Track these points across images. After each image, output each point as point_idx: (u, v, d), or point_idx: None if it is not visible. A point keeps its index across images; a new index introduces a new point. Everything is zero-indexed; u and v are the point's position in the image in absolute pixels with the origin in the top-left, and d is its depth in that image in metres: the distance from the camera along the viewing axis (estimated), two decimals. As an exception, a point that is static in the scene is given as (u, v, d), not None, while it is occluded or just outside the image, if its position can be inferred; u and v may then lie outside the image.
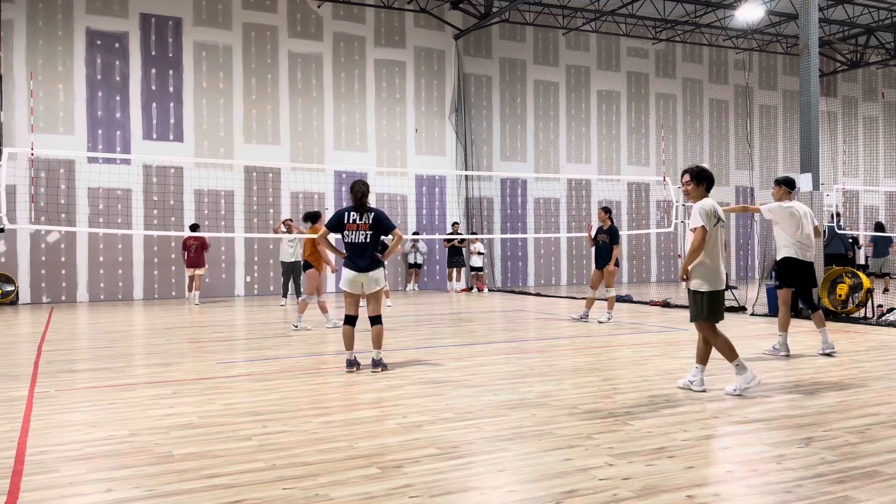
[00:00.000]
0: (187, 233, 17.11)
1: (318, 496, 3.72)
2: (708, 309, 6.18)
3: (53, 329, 11.77)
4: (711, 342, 6.25)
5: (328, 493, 3.77)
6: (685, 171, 6.43)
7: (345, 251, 7.57)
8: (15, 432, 5.05)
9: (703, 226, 6.11)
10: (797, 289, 8.48)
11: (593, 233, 12.34)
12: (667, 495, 3.68)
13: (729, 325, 11.34)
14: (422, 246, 20.84)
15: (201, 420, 5.36)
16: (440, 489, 3.82)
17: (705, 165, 6.88)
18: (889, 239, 20.47)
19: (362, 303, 8.24)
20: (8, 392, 6.50)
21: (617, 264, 12.20)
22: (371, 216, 7.47)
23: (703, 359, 6.34)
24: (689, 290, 6.28)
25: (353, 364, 7.46)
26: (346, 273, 7.52)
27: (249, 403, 5.91)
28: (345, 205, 20.36)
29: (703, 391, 6.24)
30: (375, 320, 7.53)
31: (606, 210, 12.29)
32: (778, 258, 8.47)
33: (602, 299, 13.05)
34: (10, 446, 4.71)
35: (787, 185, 8.46)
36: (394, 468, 4.16)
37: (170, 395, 6.32)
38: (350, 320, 7.59)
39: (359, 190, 7.52)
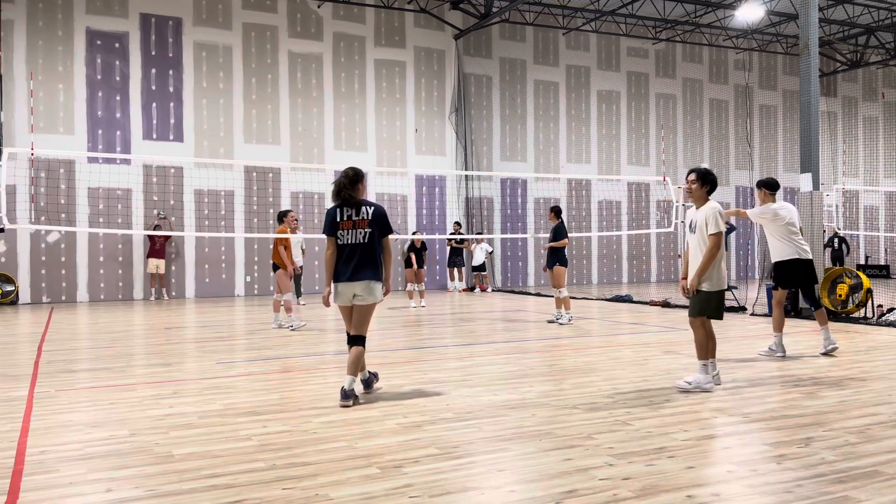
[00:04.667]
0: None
1: (318, 496, 3.72)
2: (714, 307, 6.33)
3: (53, 329, 11.77)
4: (700, 336, 6.35)
5: (328, 493, 3.77)
6: (692, 171, 6.46)
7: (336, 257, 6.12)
8: (15, 432, 5.05)
9: (720, 231, 6.21)
10: (800, 288, 8.43)
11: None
12: (667, 495, 3.68)
13: (729, 325, 11.33)
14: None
15: (201, 420, 5.36)
16: (440, 489, 3.81)
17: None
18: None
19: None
20: (8, 392, 6.50)
21: (563, 263, 11.63)
22: (370, 211, 6.18)
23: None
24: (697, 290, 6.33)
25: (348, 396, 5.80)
26: (336, 287, 6.05)
27: (249, 403, 5.91)
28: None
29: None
30: (357, 340, 6.02)
31: (553, 209, 11.94)
32: (774, 260, 8.33)
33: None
34: (10, 446, 4.71)
35: (767, 188, 8.26)
36: (394, 468, 4.15)
37: (170, 395, 6.31)
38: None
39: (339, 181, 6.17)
